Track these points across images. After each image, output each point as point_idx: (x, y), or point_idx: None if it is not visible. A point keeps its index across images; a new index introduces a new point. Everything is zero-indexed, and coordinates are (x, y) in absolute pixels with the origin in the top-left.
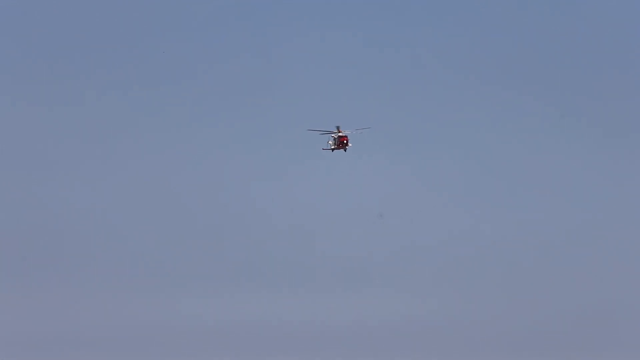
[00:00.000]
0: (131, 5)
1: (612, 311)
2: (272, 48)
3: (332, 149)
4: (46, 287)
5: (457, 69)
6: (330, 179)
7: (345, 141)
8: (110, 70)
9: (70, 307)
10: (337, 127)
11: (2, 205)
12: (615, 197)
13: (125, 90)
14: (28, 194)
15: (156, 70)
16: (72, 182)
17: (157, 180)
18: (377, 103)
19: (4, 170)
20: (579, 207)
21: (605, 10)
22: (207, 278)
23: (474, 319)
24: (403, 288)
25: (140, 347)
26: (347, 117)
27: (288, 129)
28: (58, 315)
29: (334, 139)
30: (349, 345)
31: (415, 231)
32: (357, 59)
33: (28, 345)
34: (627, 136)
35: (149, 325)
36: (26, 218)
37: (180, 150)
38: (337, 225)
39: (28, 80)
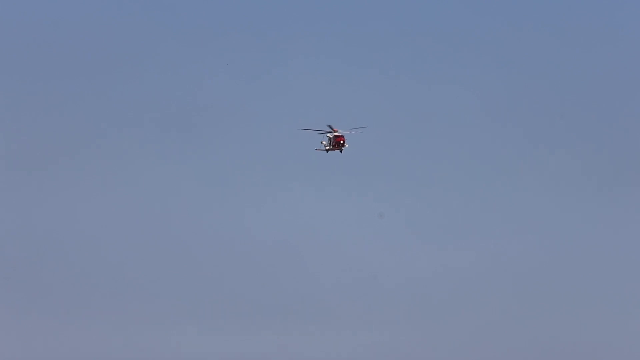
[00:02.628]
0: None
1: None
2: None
3: (327, 150)
4: (42, 322)
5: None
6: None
7: (341, 141)
8: (99, 93)
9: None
10: (330, 127)
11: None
12: (600, 240)
13: (114, 114)
14: (23, 227)
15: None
16: (63, 210)
17: (146, 208)
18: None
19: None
20: (570, 248)
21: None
22: (201, 313)
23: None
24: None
25: None
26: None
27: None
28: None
29: (329, 138)
30: None
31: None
32: (356, 62)
33: None
34: (623, 178)
35: None
36: (23, 252)
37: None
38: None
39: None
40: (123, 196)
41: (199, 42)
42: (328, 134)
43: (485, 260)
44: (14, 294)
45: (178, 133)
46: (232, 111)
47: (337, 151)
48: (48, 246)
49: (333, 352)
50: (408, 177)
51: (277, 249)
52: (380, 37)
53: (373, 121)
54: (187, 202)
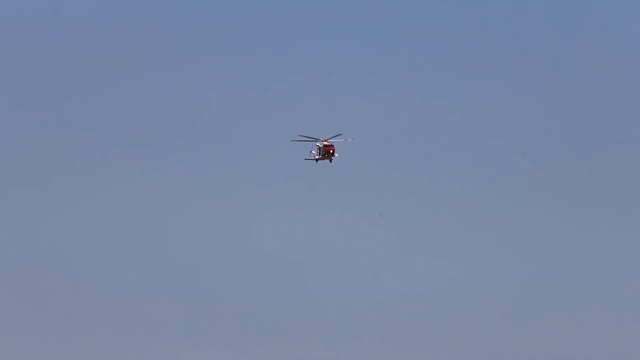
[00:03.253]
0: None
1: None
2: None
3: (316, 159)
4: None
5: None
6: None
7: (331, 151)
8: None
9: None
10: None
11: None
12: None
13: (104, 129)
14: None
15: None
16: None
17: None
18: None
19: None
20: (561, 262)
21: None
22: (195, 327)
23: None
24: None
25: None
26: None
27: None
28: None
29: (319, 148)
30: None
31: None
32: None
33: None
34: (615, 194)
35: None
36: (21, 273)
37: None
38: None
39: None
40: (116, 210)
41: (189, 53)
42: (317, 144)
43: (475, 274)
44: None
45: (169, 144)
46: (222, 122)
47: (327, 161)
48: (40, 257)
49: None
50: (398, 189)
51: (264, 261)
52: (371, 48)
53: (364, 132)
54: (182, 215)
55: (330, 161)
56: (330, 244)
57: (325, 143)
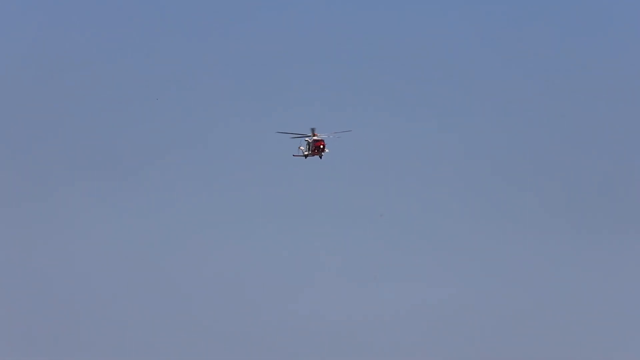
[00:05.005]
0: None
1: None
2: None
3: (305, 156)
4: None
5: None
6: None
7: (321, 146)
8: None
9: None
10: (312, 130)
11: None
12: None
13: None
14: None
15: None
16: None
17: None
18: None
19: None
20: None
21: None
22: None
23: None
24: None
25: None
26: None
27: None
28: None
29: (308, 143)
30: None
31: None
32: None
33: None
34: (602, 221)
35: None
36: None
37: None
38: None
39: None
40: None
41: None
42: (306, 139)
43: (469, 290)
44: None
45: (163, 150)
46: (211, 115)
47: (317, 157)
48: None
49: None
50: (392, 187)
51: (256, 265)
52: (369, 51)
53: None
54: (176, 223)
55: (321, 157)
56: (323, 247)
57: (315, 138)
